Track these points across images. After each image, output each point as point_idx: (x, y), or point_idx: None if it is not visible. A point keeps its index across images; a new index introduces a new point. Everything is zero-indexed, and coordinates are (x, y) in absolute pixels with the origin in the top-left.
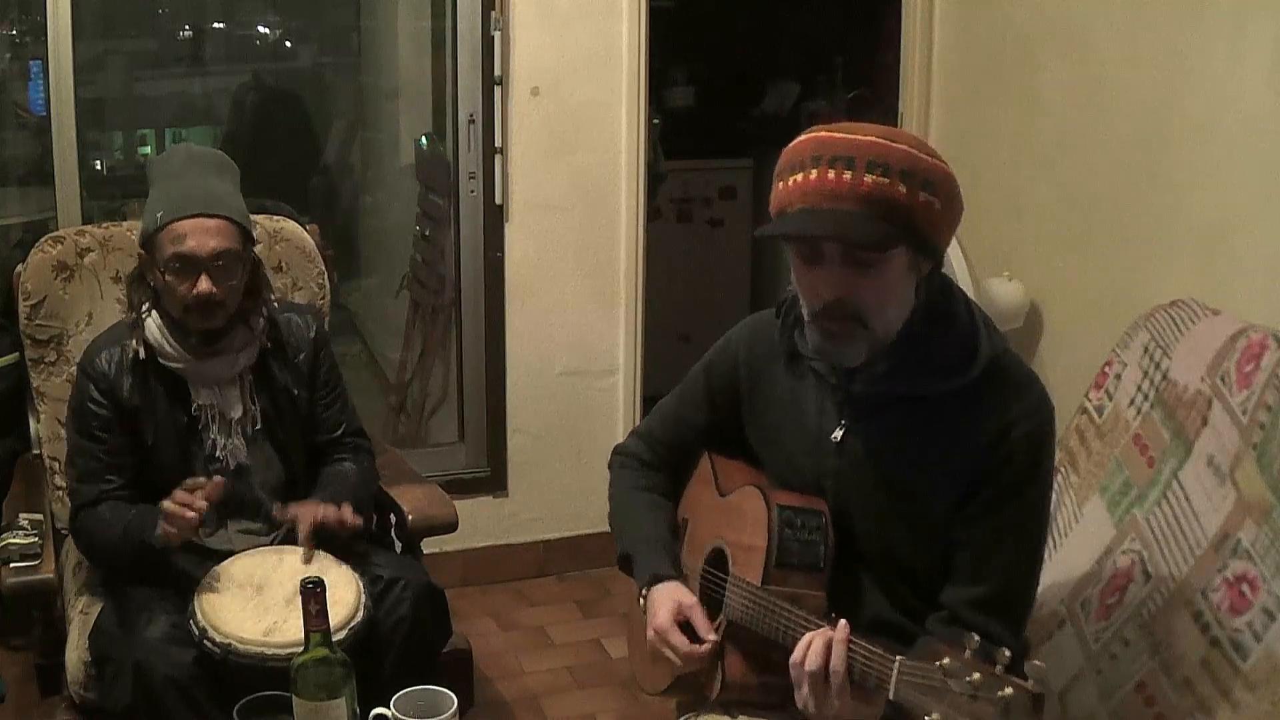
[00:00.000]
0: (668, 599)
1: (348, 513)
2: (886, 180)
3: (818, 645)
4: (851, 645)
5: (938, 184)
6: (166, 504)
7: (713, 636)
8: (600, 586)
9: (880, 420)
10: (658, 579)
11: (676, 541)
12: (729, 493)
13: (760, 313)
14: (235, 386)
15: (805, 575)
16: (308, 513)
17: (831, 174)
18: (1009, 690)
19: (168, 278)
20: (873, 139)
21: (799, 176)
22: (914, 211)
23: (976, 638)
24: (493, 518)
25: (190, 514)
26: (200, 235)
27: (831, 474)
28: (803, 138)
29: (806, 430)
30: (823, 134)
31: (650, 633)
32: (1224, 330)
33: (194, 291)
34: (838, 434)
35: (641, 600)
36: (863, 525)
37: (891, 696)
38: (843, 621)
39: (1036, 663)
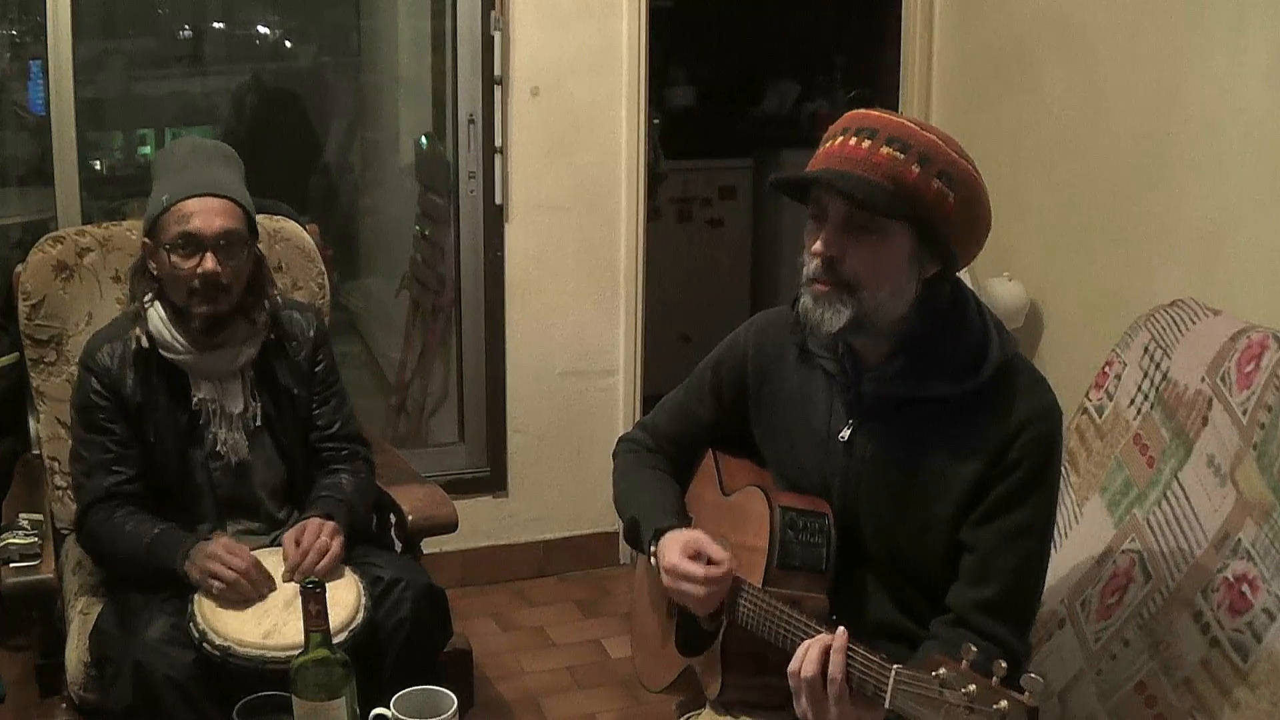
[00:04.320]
0: (674, 542)
1: (328, 531)
2: (901, 156)
3: (814, 652)
4: (850, 652)
5: (956, 179)
6: (214, 548)
7: (728, 557)
8: (600, 586)
9: (889, 421)
10: (662, 532)
11: (684, 513)
12: (732, 492)
13: (770, 310)
14: (236, 381)
15: (807, 577)
16: (289, 546)
17: (853, 141)
18: (1004, 703)
19: (173, 258)
20: (903, 121)
21: (828, 144)
22: (923, 195)
23: (974, 648)
24: (492, 518)
25: (236, 561)
26: (206, 215)
27: (839, 474)
28: (846, 114)
29: (814, 429)
30: (863, 111)
31: (664, 578)
32: (1224, 330)
33: (199, 271)
34: (845, 433)
35: (651, 559)
36: (869, 526)
37: (888, 705)
38: (841, 629)
39: (1033, 675)
